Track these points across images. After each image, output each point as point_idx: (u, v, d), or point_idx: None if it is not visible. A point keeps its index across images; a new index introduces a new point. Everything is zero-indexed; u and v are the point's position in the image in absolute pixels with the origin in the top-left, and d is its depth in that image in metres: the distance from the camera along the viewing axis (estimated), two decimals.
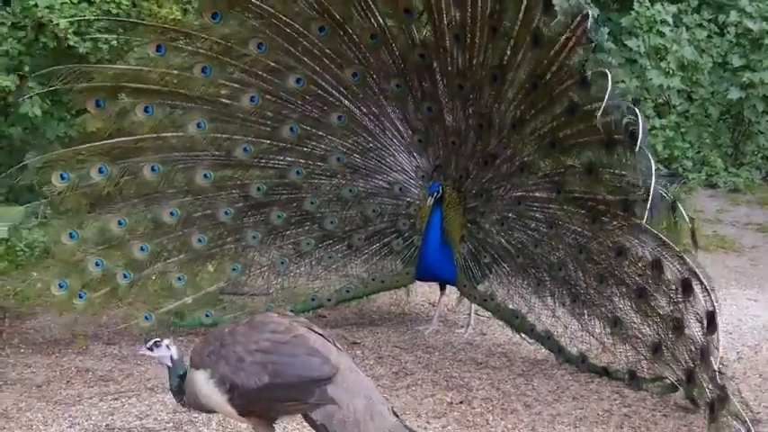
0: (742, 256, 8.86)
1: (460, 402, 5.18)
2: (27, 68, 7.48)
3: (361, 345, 6.05)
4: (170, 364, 3.96)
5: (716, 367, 4.74)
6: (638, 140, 4.98)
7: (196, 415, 4.82)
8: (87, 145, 5.75)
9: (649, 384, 5.36)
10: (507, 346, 6.10)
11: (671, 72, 11.50)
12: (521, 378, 5.59)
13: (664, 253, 5.13)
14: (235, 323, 4.01)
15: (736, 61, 11.69)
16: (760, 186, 11.45)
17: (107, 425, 4.72)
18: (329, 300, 6.22)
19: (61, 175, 5.64)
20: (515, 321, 5.92)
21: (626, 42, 11.63)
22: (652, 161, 5.00)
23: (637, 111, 5.10)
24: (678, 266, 5.07)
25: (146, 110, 5.74)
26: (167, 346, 3.96)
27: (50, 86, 6.30)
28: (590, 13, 5.30)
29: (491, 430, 4.83)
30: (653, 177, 4.94)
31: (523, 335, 5.94)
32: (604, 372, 5.55)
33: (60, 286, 5.65)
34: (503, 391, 5.37)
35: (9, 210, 6.09)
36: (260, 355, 3.79)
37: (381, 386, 5.25)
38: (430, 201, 5.95)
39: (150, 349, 4.00)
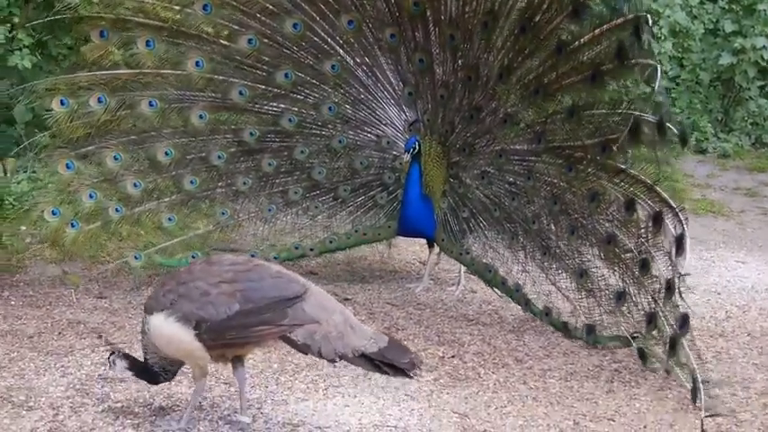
0: (730, 220, 8.91)
1: (452, 357, 5.21)
2: (17, 20, 7.36)
3: (353, 301, 6.07)
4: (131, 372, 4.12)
5: (680, 296, 4.91)
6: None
7: (188, 367, 4.83)
8: (88, 73, 5.75)
9: (605, 342, 5.40)
10: (497, 303, 6.12)
11: (663, 37, 11.46)
12: (511, 334, 5.62)
13: (636, 192, 5.18)
14: (190, 263, 4.03)
15: (729, 27, 11.66)
16: (749, 152, 11.49)
17: (100, 374, 4.70)
18: (312, 249, 6.25)
19: (62, 101, 5.68)
20: (488, 275, 5.95)
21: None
22: (659, 69, 5.03)
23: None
24: (650, 202, 5.12)
25: (147, 44, 5.74)
26: (113, 362, 4.13)
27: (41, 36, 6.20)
28: None
29: (483, 383, 4.86)
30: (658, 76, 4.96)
31: (495, 289, 5.97)
32: (564, 327, 5.57)
33: (53, 213, 5.70)
34: (494, 347, 5.40)
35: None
36: (225, 286, 3.82)
37: None
38: (407, 156, 5.95)
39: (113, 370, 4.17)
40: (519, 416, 4.50)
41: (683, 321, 4.85)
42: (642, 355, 5.12)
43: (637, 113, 5.12)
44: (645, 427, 4.46)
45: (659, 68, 5.05)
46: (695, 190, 9.80)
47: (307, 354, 3.90)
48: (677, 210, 5.04)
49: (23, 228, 6.73)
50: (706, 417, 4.48)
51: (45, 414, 4.24)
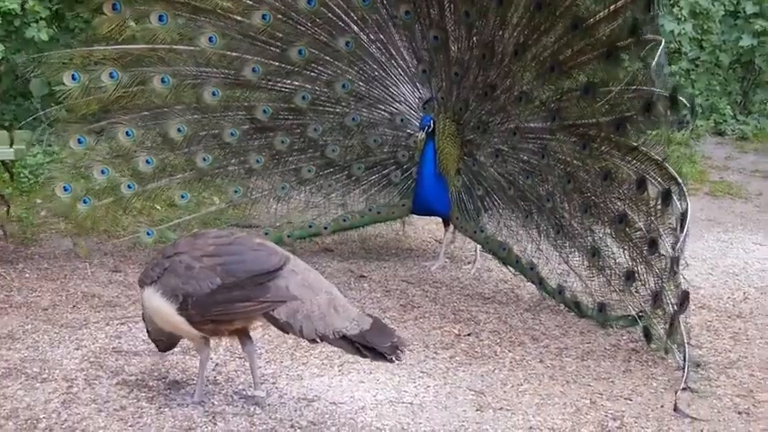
0: (748, 203, 8.83)
1: (468, 335, 5.17)
2: None
3: (369, 278, 6.04)
4: None
5: (681, 273, 4.82)
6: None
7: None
8: (101, 47, 5.73)
9: (614, 321, 5.33)
10: (514, 282, 6.08)
11: (683, 18, 11.33)
12: (528, 313, 5.58)
13: (648, 170, 5.11)
14: (178, 238, 4.02)
15: (750, 8, 11.53)
16: None
17: (114, 348, 4.70)
18: (326, 228, 6.24)
19: (72, 76, 5.65)
20: (502, 253, 5.91)
21: None
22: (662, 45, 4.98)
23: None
24: (660, 179, 5.04)
25: (160, 18, 5.69)
26: None
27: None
28: None
29: (499, 361, 4.83)
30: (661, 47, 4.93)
31: (510, 267, 5.93)
32: (576, 307, 5.52)
33: (65, 189, 5.72)
34: (510, 325, 5.36)
35: (17, 133, 5.97)
36: (207, 260, 3.82)
37: (389, 318, 5.25)
38: (421, 135, 5.93)
39: None
40: (535, 394, 4.45)
41: (684, 299, 4.75)
42: (647, 335, 5.07)
43: (651, 89, 5.03)
44: (662, 406, 4.41)
45: (663, 43, 4.99)
46: (713, 172, 9.73)
47: (288, 333, 3.85)
48: (683, 186, 4.95)
49: (38, 201, 6.74)
50: (681, 390, 4.47)
51: (59, 386, 4.23)
